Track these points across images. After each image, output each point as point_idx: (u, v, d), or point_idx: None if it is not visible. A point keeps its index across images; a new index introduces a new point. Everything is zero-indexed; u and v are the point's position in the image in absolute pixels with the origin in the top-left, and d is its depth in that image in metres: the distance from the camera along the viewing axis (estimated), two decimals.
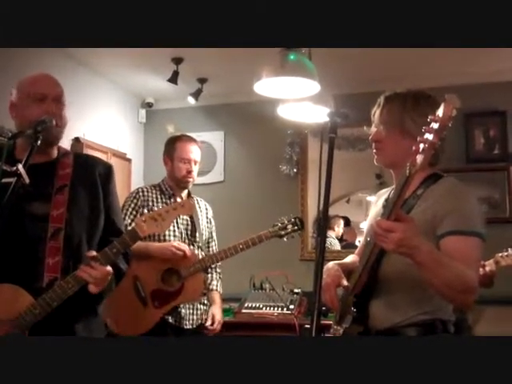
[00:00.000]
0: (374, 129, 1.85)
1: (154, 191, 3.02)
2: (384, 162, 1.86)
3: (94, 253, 1.80)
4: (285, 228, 3.03)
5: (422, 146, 1.34)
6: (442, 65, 3.98)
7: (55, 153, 1.99)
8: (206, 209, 3.23)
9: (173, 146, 3.08)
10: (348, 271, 1.88)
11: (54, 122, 1.83)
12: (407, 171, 1.39)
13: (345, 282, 1.80)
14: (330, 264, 1.89)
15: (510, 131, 4.26)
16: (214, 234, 3.25)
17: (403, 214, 1.48)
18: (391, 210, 1.45)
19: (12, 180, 1.66)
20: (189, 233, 3.03)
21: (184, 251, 2.84)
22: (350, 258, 2.07)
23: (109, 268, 1.80)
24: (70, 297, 1.78)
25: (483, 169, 4.21)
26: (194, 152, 3.07)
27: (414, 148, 1.37)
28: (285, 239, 3.05)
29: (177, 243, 2.87)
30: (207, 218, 3.21)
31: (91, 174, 1.99)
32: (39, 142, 1.76)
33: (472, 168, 4.20)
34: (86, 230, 1.92)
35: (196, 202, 3.15)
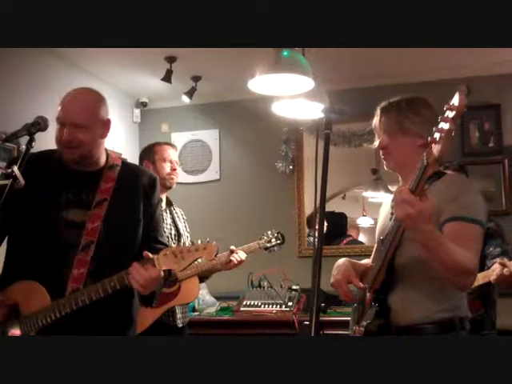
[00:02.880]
0: (377, 140, 1.92)
1: None
2: (393, 166, 1.91)
3: (150, 255, 1.83)
4: (269, 241, 3.35)
5: (437, 135, 1.37)
6: (436, 59, 3.98)
7: (101, 162, 2.04)
8: (182, 214, 3.27)
9: (152, 150, 3.17)
10: (359, 271, 1.90)
11: (48, 123, 1.83)
12: (424, 161, 1.42)
13: (355, 279, 1.84)
14: (341, 261, 1.93)
15: (504, 124, 4.26)
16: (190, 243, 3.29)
17: (427, 195, 1.49)
18: (417, 184, 1.47)
19: (7, 182, 1.68)
20: (175, 242, 3.08)
21: None
22: (366, 261, 2.08)
23: (161, 272, 1.83)
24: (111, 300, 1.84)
25: (478, 162, 4.21)
26: (173, 154, 3.19)
27: (429, 139, 1.40)
28: (268, 252, 3.37)
29: None
30: (185, 225, 3.26)
31: (134, 185, 2.05)
32: (34, 143, 1.78)
33: (467, 162, 4.18)
34: (121, 242, 1.96)
35: (173, 208, 3.20)
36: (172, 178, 3.11)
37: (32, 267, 1.89)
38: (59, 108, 1.97)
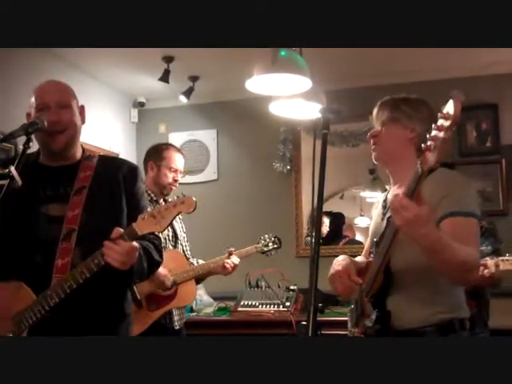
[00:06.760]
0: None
1: None
2: (380, 156, 1.92)
3: (120, 231, 1.77)
4: (267, 245, 3.37)
5: (431, 143, 1.36)
6: (433, 59, 3.99)
7: (77, 156, 2.00)
8: (180, 217, 3.25)
9: (161, 154, 3.13)
10: (358, 269, 1.90)
11: (46, 123, 1.81)
12: (419, 169, 1.42)
13: (354, 276, 1.83)
14: (341, 256, 1.93)
15: (501, 124, 4.27)
16: (187, 244, 3.30)
17: (423, 199, 1.49)
18: (412, 191, 1.46)
19: (4, 182, 1.67)
20: (172, 244, 3.10)
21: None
22: (358, 259, 2.08)
23: (134, 243, 1.78)
24: (96, 285, 1.79)
25: (476, 162, 4.22)
26: (181, 162, 3.17)
27: (423, 146, 1.39)
28: (265, 255, 3.39)
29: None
30: (182, 225, 3.26)
31: (113, 175, 1.99)
32: (31, 143, 1.76)
33: (464, 161, 4.21)
34: (104, 231, 1.86)
35: None
36: (171, 188, 3.11)
37: (17, 266, 1.84)
38: (36, 95, 1.93)
